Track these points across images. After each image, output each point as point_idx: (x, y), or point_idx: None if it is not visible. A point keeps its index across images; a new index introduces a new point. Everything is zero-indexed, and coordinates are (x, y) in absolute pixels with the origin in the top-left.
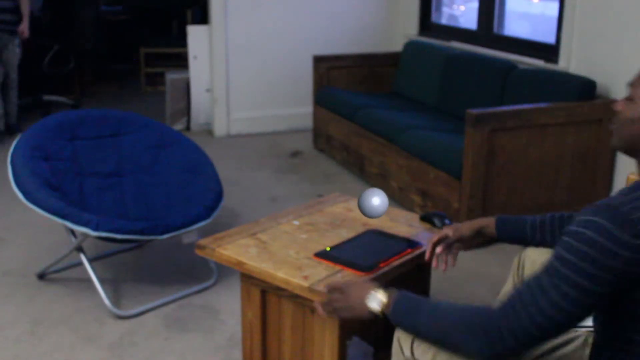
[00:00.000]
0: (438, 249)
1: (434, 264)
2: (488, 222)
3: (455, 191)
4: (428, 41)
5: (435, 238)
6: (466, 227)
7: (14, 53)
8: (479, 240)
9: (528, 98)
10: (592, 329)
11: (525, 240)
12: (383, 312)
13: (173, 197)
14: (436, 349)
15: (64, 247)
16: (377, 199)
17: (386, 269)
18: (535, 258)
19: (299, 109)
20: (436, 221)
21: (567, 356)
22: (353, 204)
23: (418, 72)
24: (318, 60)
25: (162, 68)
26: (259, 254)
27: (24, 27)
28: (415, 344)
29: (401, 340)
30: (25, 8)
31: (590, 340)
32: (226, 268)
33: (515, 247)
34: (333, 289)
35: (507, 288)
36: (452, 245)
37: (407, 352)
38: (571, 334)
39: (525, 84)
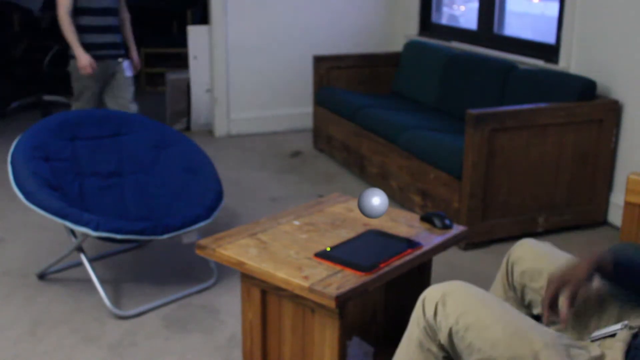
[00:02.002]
0: (562, 316)
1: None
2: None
3: (455, 191)
4: (428, 41)
5: (546, 301)
6: (583, 275)
7: (126, 85)
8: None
9: (528, 98)
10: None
11: None
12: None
13: (173, 197)
14: (460, 314)
15: (64, 247)
16: (377, 199)
17: (386, 269)
18: (525, 257)
19: (299, 109)
20: (436, 221)
21: None
22: (353, 204)
23: (418, 72)
24: (318, 61)
25: (162, 68)
26: (259, 254)
27: (135, 57)
28: (440, 308)
29: (426, 301)
30: (129, 33)
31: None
32: (226, 268)
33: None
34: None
35: (495, 287)
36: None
37: (430, 313)
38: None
39: (525, 84)
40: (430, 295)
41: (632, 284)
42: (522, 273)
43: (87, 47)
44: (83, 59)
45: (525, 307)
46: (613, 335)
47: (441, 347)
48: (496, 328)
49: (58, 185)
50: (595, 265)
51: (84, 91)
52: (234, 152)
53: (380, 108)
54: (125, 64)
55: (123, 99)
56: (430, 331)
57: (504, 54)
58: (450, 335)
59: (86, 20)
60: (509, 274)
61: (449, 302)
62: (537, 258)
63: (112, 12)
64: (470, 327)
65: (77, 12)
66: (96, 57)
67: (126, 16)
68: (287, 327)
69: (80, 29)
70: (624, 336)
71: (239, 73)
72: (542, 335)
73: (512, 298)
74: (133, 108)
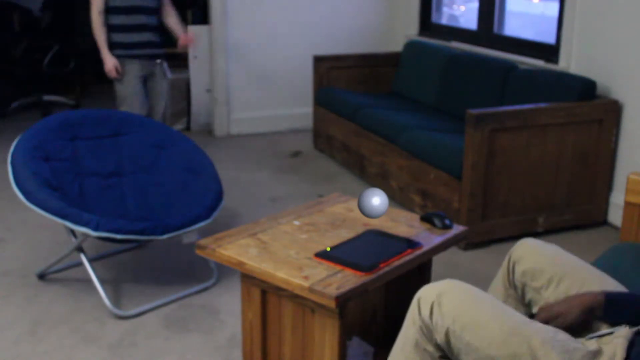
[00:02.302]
0: None
1: None
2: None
3: (455, 191)
4: (428, 41)
5: None
6: (574, 317)
7: (162, 84)
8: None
9: (528, 98)
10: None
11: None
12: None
13: (173, 197)
14: (457, 313)
15: (64, 247)
16: (377, 199)
17: (386, 269)
18: (526, 256)
19: (299, 109)
20: (436, 221)
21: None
22: (353, 204)
23: (418, 72)
24: (318, 60)
25: None
26: (259, 254)
27: (183, 33)
28: (436, 307)
29: (421, 301)
30: (173, 20)
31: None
32: (226, 268)
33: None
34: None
35: (496, 284)
36: None
37: (426, 313)
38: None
39: (525, 84)
40: (425, 295)
41: (623, 321)
42: (523, 272)
43: (121, 46)
44: (108, 63)
45: (525, 305)
46: (610, 333)
47: (437, 346)
48: (493, 327)
49: (58, 185)
50: (587, 311)
51: (126, 96)
52: (234, 152)
53: (380, 108)
54: (165, 65)
55: (156, 99)
56: (427, 331)
57: (504, 54)
58: (447, 335)
59: (119, 20)
60: (510, 272)
61: (445, 302)
62: (539, 258)
63: (145, 10)
64: (467, 327)
65: (109, 11)
66: (130, 57)
67: (172, 12)
68: (287, 327)
69: (113, 28)
70: (624, 333)
71: (239, 73)
72: (539, 332)
73: (512, 296)
74: (160, 110)
